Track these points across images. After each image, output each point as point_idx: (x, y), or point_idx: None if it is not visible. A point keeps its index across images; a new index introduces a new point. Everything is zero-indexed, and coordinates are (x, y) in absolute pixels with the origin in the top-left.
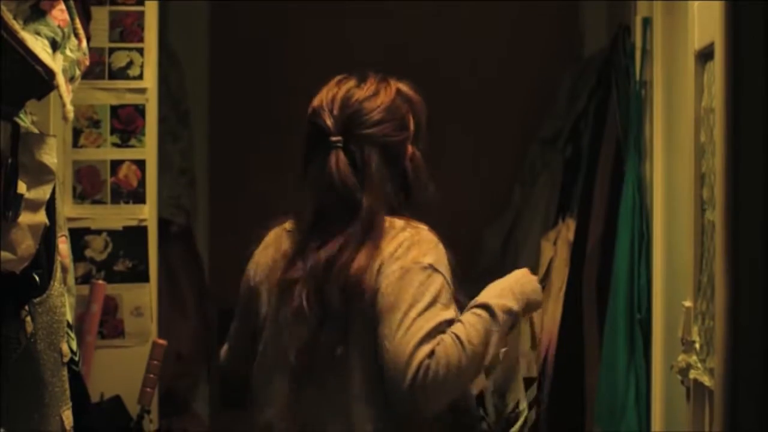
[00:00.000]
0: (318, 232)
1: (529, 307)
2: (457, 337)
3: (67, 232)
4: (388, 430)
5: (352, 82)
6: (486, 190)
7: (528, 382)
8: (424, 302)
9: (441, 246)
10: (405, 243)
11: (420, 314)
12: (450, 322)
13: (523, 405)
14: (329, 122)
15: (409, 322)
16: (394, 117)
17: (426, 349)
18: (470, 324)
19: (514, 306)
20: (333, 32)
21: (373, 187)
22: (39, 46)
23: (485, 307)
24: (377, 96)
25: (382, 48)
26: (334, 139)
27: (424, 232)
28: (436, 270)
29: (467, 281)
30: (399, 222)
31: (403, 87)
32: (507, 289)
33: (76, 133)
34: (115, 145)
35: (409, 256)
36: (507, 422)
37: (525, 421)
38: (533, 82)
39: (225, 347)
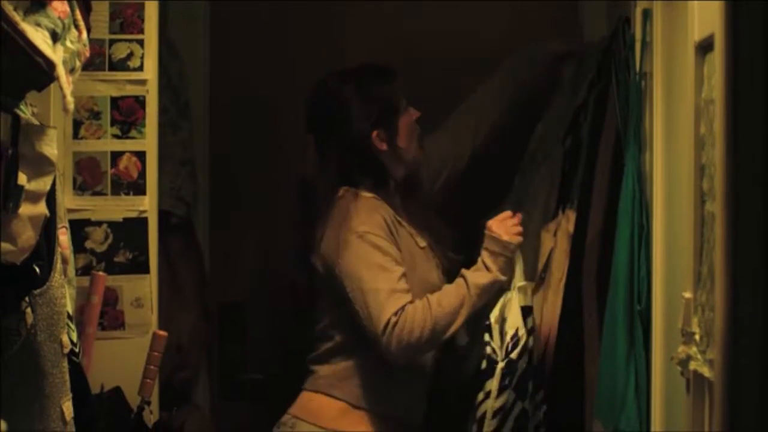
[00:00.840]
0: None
1: (507, 260)
2: (428, 300)
3: (67, 224)
4: None
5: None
6: (486, 182)
7: (525, 311)
8: (372, 271)
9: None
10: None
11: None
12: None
13: (522, 331)
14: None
15: (369, 291)
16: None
17: (390, 309)
18: (446, 290)
19: (490, 277)
20: (333, 23)
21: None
22: (39, 38)
23: (464, 278)
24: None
25: (383, 39)
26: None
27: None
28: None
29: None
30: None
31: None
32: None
33: (77, 124)
34: (115, 136)
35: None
36: (509, 347)
37: (525, 346)
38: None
39: None
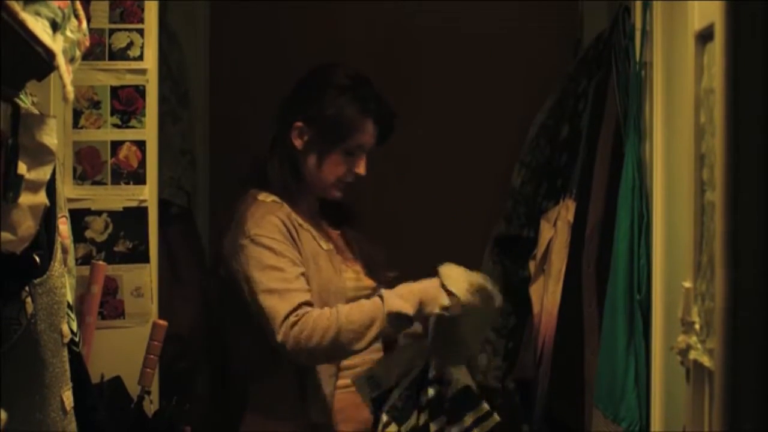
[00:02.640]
0: None
1: (423, 314)
2: (338, 310)
3: (67, 213)
4: None
5: None
6: (486, 172)
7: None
8: (264, 273)
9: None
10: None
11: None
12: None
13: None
14: None
15: (263, 291)
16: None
17: (286, 307)
18: (359, 306)
19: (409, 311)
20: (334, 13)
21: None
22: (39, 27)
23: (381, 297)
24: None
25: (383, 32)
26: None
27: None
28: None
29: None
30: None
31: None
32: (411, 293)
33: (77, 114)
34: (115, 125)
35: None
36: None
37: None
38: (532, 63)
39: None
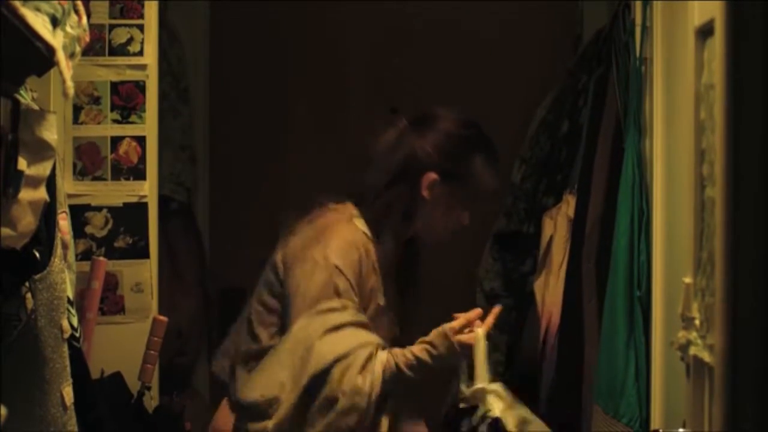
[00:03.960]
0: None
1: (443, 363)
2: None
3: (67, 209)
4: None
5: None
6: None
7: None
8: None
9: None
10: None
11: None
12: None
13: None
14: None
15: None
16: None
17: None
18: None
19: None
20: (333, 9)
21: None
22: (39, 23)
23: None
24: None
25: (382, 34)
26: None
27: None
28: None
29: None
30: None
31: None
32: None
33: (77, 109)
34: (115, 121)
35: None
36: None
37: None
38: (532, 59)
39: None
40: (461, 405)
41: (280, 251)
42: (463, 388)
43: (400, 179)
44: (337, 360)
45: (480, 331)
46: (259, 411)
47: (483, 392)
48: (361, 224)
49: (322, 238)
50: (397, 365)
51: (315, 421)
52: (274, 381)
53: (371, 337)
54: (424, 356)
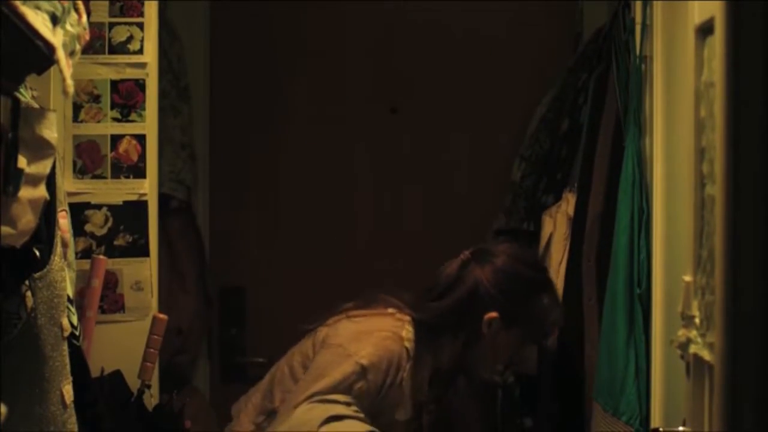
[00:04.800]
0: None
1: None
2: None
3: (67, 207)
4: None
5: None
6: (486, 166)
7: None
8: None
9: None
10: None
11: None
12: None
13: None
14: None
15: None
16: None
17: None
18: None
19: None
20: (334, 9)
21: None
22: (39, 21)
23: None
24: None
25: (382, 31)
26: None
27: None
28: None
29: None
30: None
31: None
32: None
33: (76, 107)
34: (115, 119)
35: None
36: None
37: None
38: (532, 57)
39: None
40: None
41: (326, 329)
42: None
43: (460, 311)
44: None
45: None
46: None
47: None
48: (408, 341)
49: (364, 337)
50: None
51: None
52: None
53: (368, 429)
54: None
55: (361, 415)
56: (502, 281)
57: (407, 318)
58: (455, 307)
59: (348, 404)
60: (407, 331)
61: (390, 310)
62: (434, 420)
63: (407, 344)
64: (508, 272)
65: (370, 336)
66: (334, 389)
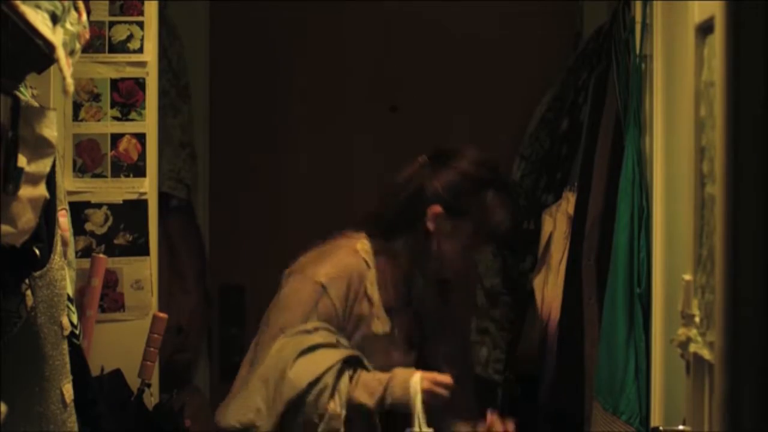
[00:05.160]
0: None
1: (391, 407)
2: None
3: (67, 206)
4: None
5: None
6: None
7: None
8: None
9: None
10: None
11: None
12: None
13: None
14: None
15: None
16: None
17: None
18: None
19: (369, 403)
20: (334, 8)
21: None
22: (39, 20)
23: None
24: None
25: (382, 31)
26: None
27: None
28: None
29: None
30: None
31: None
32: (377, 389)
33: (76, 106)
34: (115, 118)
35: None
36: None
37: None
38: (532, 56)
39: None
40: None
41: (287, 271)
42: None
43: (407, 211)
44: (311, 385)
45: (417, 377)
46: None
47: None
48: (364, 252)
49: (320, 259)
50: (352, 395)
51: None
52: (249, 407)
53: (340, 355)
54: (377, 389)
55: (333, 340)
56: (447, 177)
57: (362, 234)
58: (403, 206)
59: (316, 329)
60: (362, 244)
61: (346, 233)
62: (413, 328)
63: (364, 255)
64: (455, 169)
65: (325, 256)
66: (303, 316)
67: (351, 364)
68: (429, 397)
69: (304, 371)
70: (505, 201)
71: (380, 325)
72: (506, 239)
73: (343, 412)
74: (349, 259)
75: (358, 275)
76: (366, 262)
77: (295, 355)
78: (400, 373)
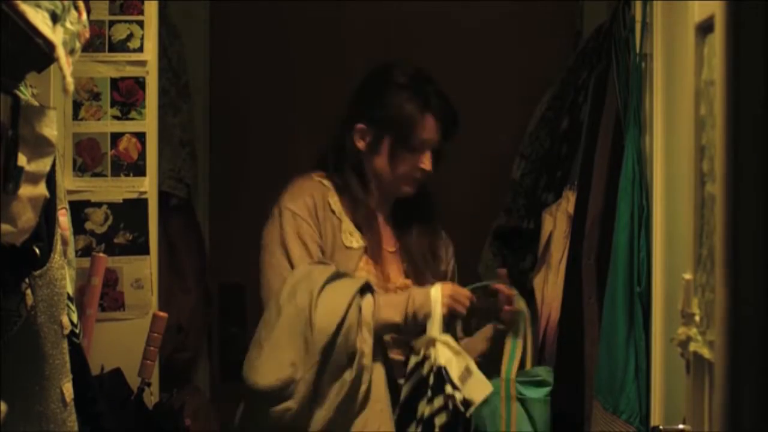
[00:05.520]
0: None
1: (417, 320)
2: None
3: (67, 205)
4: None
5: None
6: (486, 164)
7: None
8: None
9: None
10: None
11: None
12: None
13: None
14: None
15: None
16: None
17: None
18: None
19: (397, 319)
20: (334, 6)
21: None
22: (39, 19)
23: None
24: None
25: (382, 27)
26: None
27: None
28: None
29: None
30: None
31: None
32: (400, 303)
33: (77, 105)
34: (115, 117)
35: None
36: None
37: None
38: (533, 55)
39: None
40: (411, 356)
41: None
42: (415, 341)
43: (341, 138)
44: (339, 327)
45: (437, 287)
46: (277, 394)
47: (432, 341)
48: (320, 177)
49: (280, 196)
50: (379, 316)
51: (331, 389)
52: (284, 362)
53: (354, 286)
54: (400, 305)
55: (333, 268)
56: (364, 93)
57: (317, 172)
58: (337, 135)
59: (314, 265)
60: (318, 175)
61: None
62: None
63: (321, 180)
64: (361, 81)
65: (284, 191)
66: (295, 244)
67: (365, 291)
68: (450, 304)
69: (329, 314)
70: (424, 108)
71: (354, 240)
72: (448, 135)
73: (371, 347)
74: (306, 183)
75: (319, 193)
76: (323, 184)
77: (311, 299)
78: (417, 288)
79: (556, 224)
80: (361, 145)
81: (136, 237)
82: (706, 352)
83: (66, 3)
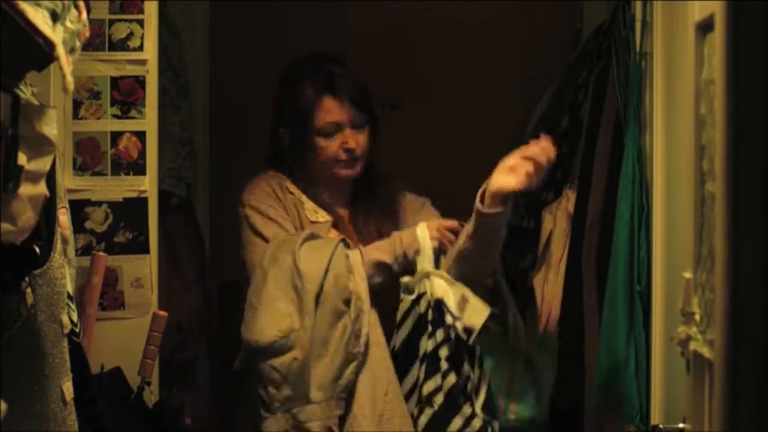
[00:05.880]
0: None
1: (407, 258)
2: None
3: (67, 204)
4: None
5: None
6: (486, 163)
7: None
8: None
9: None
10: None
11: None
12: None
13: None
14: None
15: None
16: None
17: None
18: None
19: (387, 259)
20: (334, 6)
21: None
22: (39, 18)
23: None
24: None
25: (384, 18)
26: None
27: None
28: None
29: None
30: None
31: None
32: (389, 246)
33: (77, 104)
34: (115, 116)
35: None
36: None
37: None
38: (532, 54)
39: None
40: (404, 295)
41: None
42: (406, 278)
43: (273, 137)
44: (326, 272)
45: (422, 224)
46: (279, 346)
47: (427, 275)
48: (274, 173)
49: (241, 198)
50: (369, 258)
51: (331, 334)
52: (281, 314)
53: (333, 240)
54: (387, 247)
55: (309, 233)
56: (278, 89)
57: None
58: (271, 134)
59: (291, 234)
60: (273, 172)
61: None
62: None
63: (275, 173)
64: (280, 78)
65: (244, 191)
66: (268, 227)
67: (345, 244)
68: (438, 237)
69: (314, 263)
70: (323, 89)
71: (318, 215)
72: (360, 122)
73: (366, 291)
74: (261, 178)
75: (275, 181)
76: (278, 175)
77: (294, 254)
78: (402, 231)
79: (556, 223)
80: (286, 140)
81: (136, 236)
82: (706, 351)
83: (66, 2)
